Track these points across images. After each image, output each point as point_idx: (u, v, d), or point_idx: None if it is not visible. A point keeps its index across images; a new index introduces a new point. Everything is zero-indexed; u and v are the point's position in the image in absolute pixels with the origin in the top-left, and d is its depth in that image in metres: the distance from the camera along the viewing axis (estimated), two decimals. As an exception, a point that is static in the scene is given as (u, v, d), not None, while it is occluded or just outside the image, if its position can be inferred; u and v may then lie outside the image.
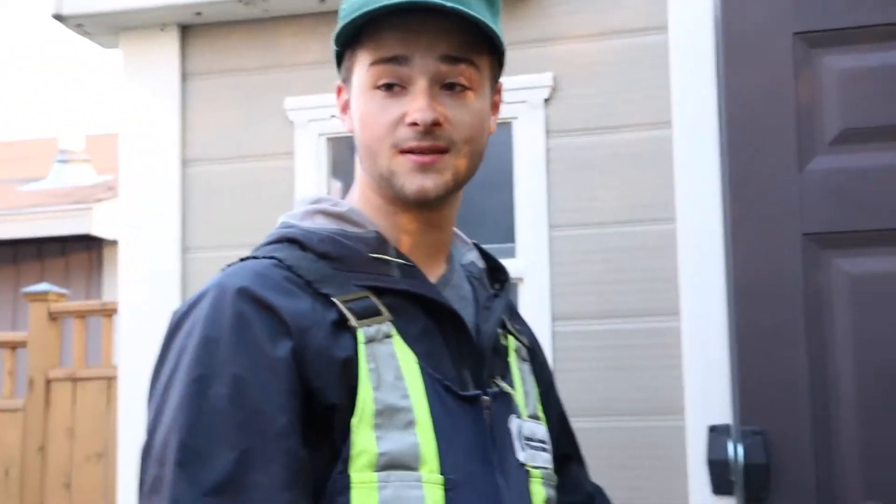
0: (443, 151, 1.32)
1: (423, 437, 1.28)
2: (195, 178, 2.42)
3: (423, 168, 1.32)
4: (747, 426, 1.98)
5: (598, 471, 1.87)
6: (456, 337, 1.37)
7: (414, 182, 1.32)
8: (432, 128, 1.30)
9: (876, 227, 1.99)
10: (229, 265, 1.34)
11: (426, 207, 1.37)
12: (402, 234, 1.39)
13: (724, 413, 2.01)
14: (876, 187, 1.99)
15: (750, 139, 2.05)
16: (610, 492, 1.81)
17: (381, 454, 1.25)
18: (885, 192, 1.98)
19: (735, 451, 1.96)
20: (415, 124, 1.30)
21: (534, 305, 2.16)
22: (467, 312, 1.42)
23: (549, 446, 1.52)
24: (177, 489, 1.17)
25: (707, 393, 2.03)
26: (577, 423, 1.77)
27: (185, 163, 2.42)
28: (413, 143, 1.31)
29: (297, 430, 1.22)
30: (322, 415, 1.25)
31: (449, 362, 1.36)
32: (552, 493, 1.49)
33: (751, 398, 1.98)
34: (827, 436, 1.95)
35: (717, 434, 1.99)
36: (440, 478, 1.28)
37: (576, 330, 2.13)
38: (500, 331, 1.49)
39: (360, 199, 1.41)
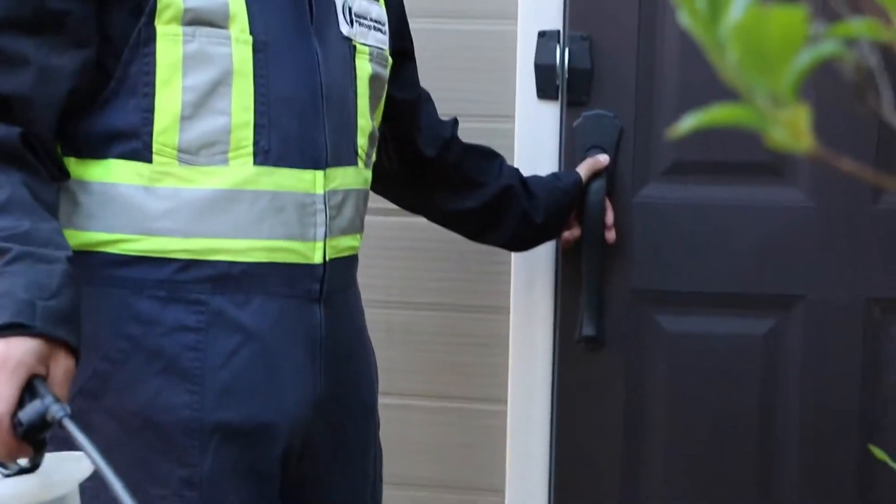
0: None
1: None
2: None
3: None
4: (575, 31, 2.02)
5: (431, 70, 1.90)
6: None
7: None
8: None
9: None
10: None
11: None
12: None
13: (555, 19, 2.03)
14: None
15: None
16: (439, 93, 1.85)
17: (187, 9, 1.28)
18: None
19: (562, 55, 2.02)
20: None
21: None
22: None
23: (384, 28, 1.55)
24: None
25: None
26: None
27: None
28: None
29: None
30: None
31: None
32: (381, 70, 1.54)
33: (581, 4, 2.01)
34: (650, 44, 2.01)
35: (545, 39, 2.03)
36: (249, 38, 1.32)
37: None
38: None
39: None
